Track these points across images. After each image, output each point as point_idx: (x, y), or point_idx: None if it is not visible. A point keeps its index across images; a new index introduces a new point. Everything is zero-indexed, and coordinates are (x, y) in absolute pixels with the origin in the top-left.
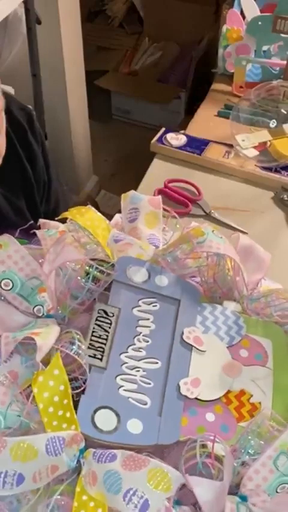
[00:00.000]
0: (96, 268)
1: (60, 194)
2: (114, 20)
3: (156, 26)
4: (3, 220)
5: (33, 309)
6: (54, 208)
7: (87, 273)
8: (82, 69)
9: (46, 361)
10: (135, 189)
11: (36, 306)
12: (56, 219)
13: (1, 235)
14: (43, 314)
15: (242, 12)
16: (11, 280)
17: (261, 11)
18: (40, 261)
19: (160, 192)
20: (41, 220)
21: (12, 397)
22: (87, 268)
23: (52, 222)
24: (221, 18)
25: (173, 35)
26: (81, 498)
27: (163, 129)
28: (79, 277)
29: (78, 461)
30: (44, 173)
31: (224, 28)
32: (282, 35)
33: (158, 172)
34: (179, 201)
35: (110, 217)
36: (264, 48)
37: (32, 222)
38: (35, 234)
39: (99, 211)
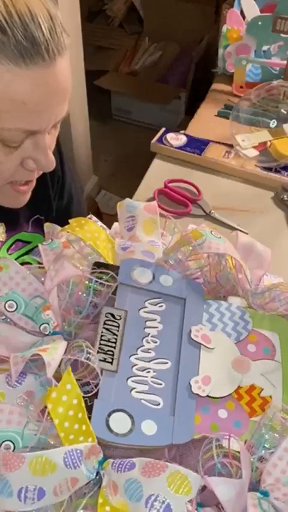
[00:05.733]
0: (96, 281)
1: (73, 191)
2: (114, 20)
3: (156, 26)
4: (16, 214)
5: (40, 327)
6: (67, 204)
7: (89, 287)
8: (82, 69)
9: (58, 375)
10: (135, 189)
11: (42, 324)
12: (59, 231)
13: (15, 228)
14: (50, 332)
15: (242, 12)
16: (14, 301)
17: (261, 11)
18: (42, 279)
19: (160, 192)
20: (46, 225)
21: (28, 416)
22: (86, 282)
23: (57, 228)
24: (221, 18)
25: (173, 35)
26: (104, 509)
27: (163, 129)
28: (80, 292)
29: (98, 473)
30: (58, 169)
31: (224, 28)
32: (282, 35)
33: (158, 172)
34: (179, 201)
35: (109, 217)
36: (264, 48)
37: (37, 216)
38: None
39: (99, 211)
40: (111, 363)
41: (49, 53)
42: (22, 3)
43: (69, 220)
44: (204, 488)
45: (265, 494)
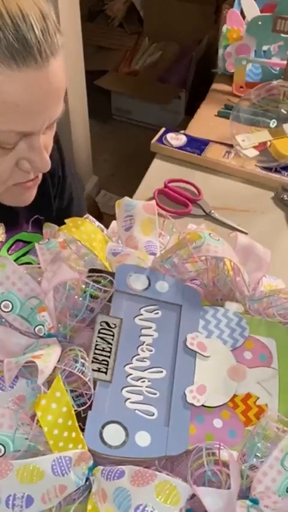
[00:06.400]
0: (93, 285)
1: (74, 192)
2: (114, 20)
3: (156, 26)
4: (16, 214)
5: (34, 329)
6: (67, 205)
7: (85, 292)
8: (82, 69)
9: (52, 382)
10: (135, 189)
11: (37, 325)
12: (56, 230)
13: (15, 228)
14: (44, 334)
15: (242, 12)
16: (10, 301)
17: (261, 11)
18: (39, 279)
19: (160, 192)
20: (45, 225)
21: (19, 420)
22: (83, 286)
23: (56, 228)
24: (221, 18)
25: (173, 35)
26: None
27: (163, 129)
28: (76, 296)
29: (88, 479)
30: (58, 169)
31: (224, 28)
32: (282, 35)
33: (158, 172)
34: (179, 201)
35: (110, 217)
36: (264, 48)
37: (37, 216)
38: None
39: (99, 211)
40: (106, 373)
41: (41, 55)
42: (13, 4)
43: (66, 221)
44: (194, 495)
45: (255, 502)
